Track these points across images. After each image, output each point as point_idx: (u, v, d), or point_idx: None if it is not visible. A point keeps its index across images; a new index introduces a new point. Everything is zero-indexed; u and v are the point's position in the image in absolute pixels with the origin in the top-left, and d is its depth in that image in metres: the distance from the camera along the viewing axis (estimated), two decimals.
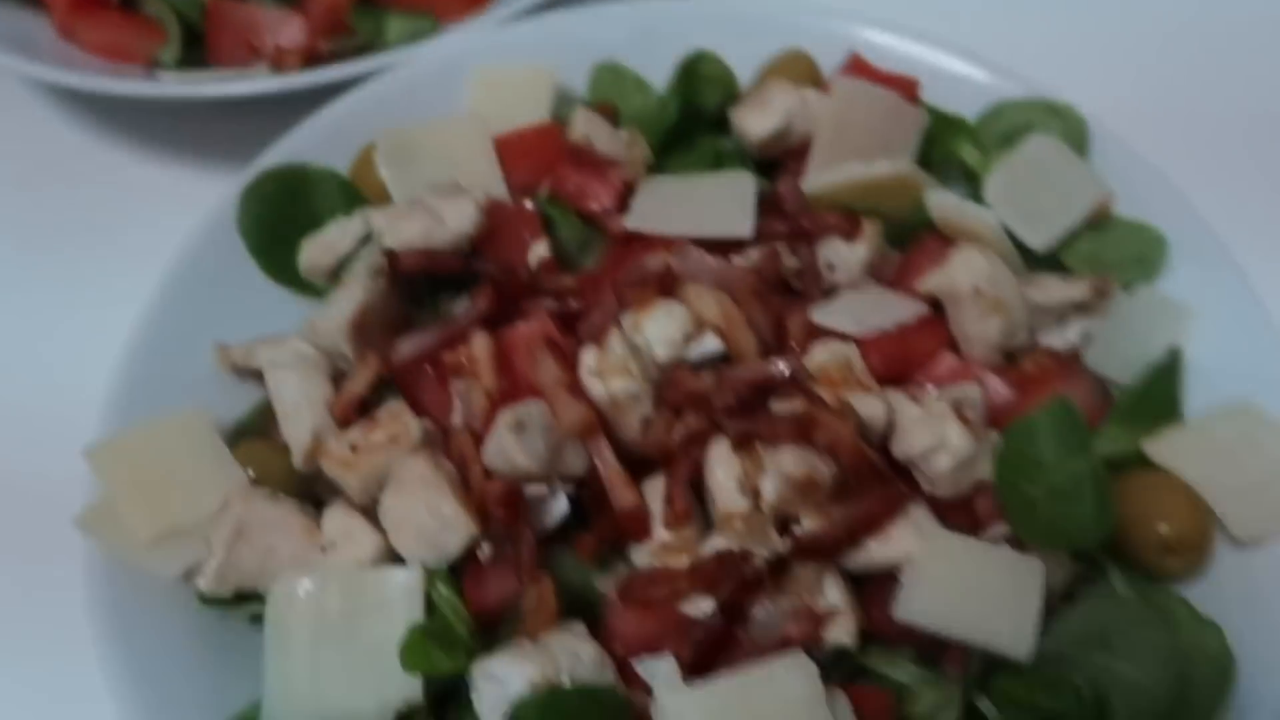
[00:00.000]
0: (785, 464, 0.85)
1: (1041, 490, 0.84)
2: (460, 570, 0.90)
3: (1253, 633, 0.85)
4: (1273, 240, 1.16)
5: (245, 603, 0.93)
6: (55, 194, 1.41)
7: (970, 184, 1.09)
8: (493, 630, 0.88)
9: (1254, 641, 0.85)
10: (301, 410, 0.97)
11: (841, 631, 0.83)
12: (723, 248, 1.00)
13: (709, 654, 0.82)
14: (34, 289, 1.32)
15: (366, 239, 1.04)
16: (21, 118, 1.48)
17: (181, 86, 1.32)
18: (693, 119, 1.14)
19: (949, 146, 1.11)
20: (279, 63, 1.35)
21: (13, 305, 1.31)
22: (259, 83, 1.28)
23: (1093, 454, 0.84)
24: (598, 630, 0.87)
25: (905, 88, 1.11)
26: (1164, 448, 0.93)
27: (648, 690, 0.80)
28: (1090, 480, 0.83)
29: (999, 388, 0.96)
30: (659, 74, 1.18)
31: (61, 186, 1.42)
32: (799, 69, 1.15)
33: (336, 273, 1.07)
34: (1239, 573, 0.90)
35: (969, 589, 0.83)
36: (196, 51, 1.40)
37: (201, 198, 1.14)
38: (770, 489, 0.86)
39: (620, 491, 0.91)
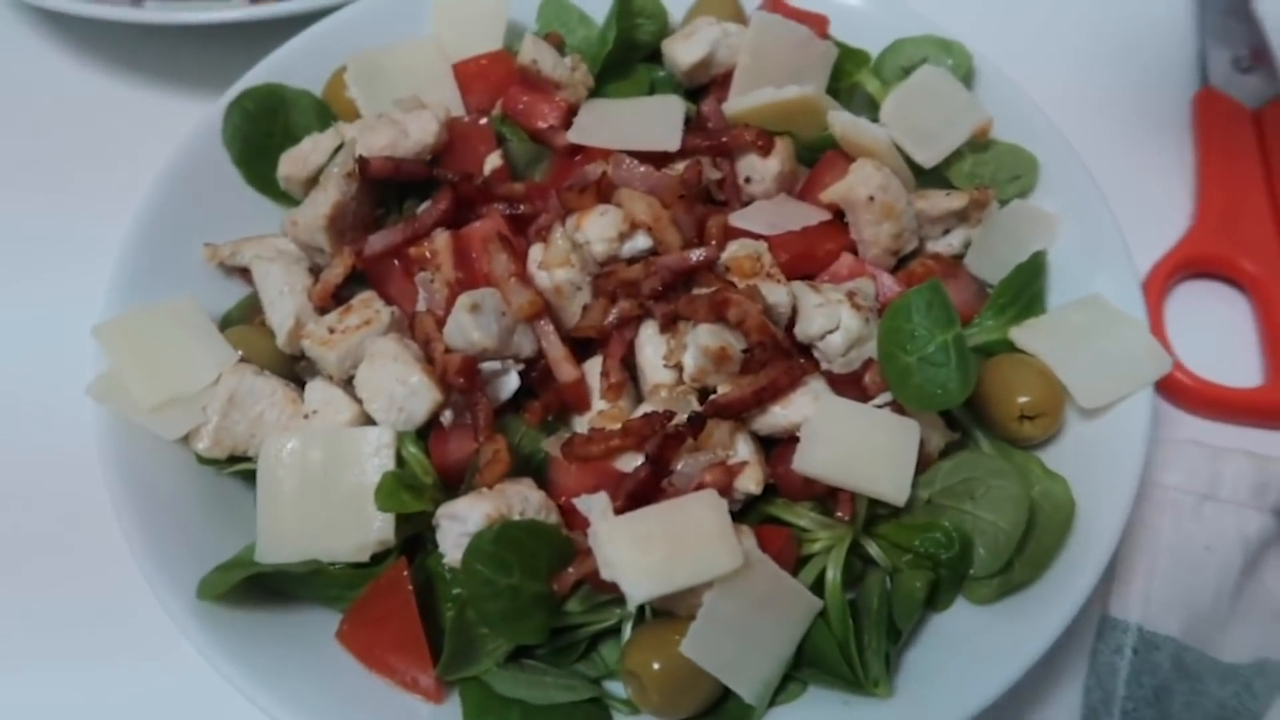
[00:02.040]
0: (702, 339, 0.95)
1: (914, 358, 0.94)
2: (426, 434, 1.00)
3: (1092, 483, 0.97)
4: (1125, 159, 1.29)
5: (238, 462, 1.02)
6: (42, 114, 1.47)
7: (872, 110, 1.18)
8: (454, 486, 0.98)
9: (1092, 490, 0.97)
10: (284, 298, 1.06)
11: (750, 480, 0.94)
12: (654, 160, 1.09)
13: (638, 501, 0.92)
14: (26, 202, 1.38)
15: (339, 150, 1.12)
16: (8, 41, 1.53)
17: (165, 13, 1.36)
18: (629, 49, 1.23)
19: (854, 76, 1.21)
20: None
21: (6, 217, 1.37)
22: (238, 10, 1.33)
23: (956, 327, 0.94)
24: (545, 487, 0.98)
25: (817, 24, 1.20)
26: (1026, 334, 1.04)
27: (585, 529, 0.91)
28: (954, 349, 0.93)
29: (890, 284, 1.08)
30: (601, 9, 1.26)
31: (49, 106, 1.47)
32: (724, 5, 1.24)
33: (310, 183, 1.14)
34: (1084, 435, 1.01)
35: (856, 446, 0.94)
36: None
37: (182, 121, 1.19)
38: (690, 362, 0.96)
39: (563, 367, 1.01)
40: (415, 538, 0.99)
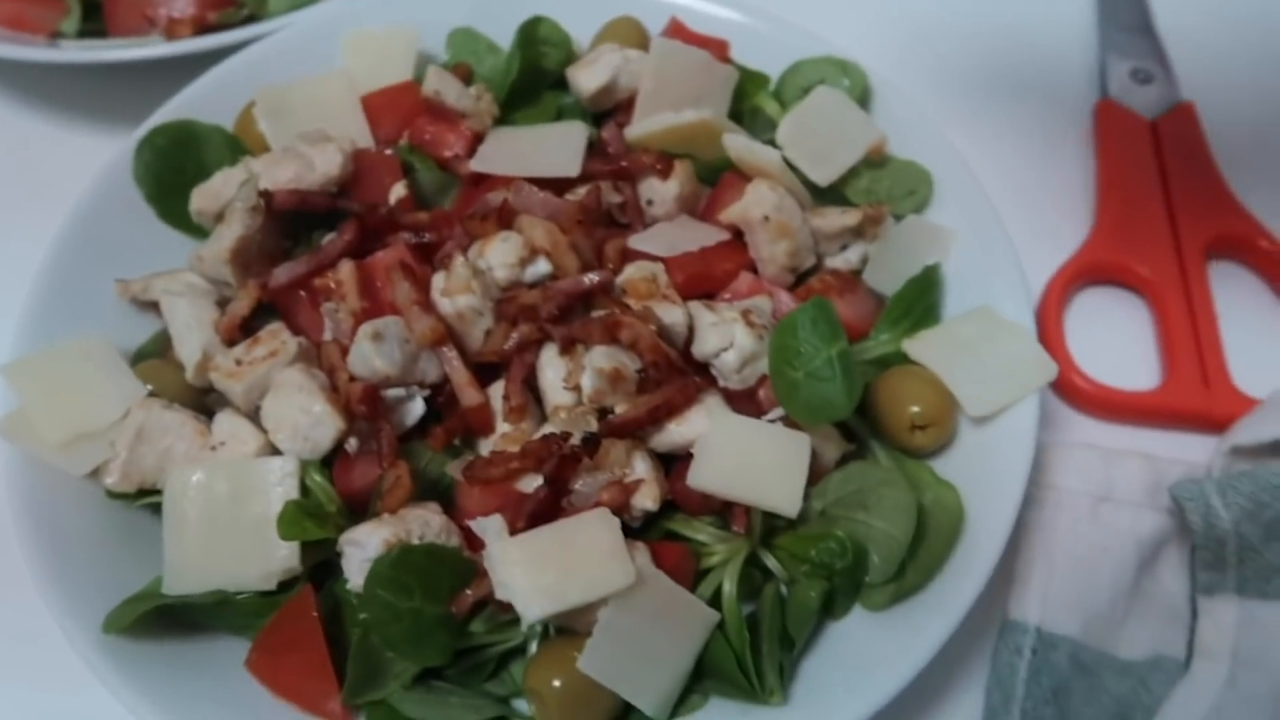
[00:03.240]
0: (597, 361, 0.97)
1: (801, 374, 0.96)
2: (332, 462, 1.01)
3: (982, 489, 0.99)
4: (1027, 170, 1.32)
5: (147, 495, 1.03)
6: None
7: (774, 131, 1.20)
8: (361, 514, 0.99)
9: (983, 496, 0.99)
10: (191, 331, 1.07)
11: (646, 497, 0.96)
12: (556, 186, 1.12)
13: (539, 521, 0.93)
14: None
15: (245, 184, 1.14)
16: None
17: (81, 53, 1.37)
18: (535, 77, 1.25)
19: (754, 99, 1.24)
20: (171, 32, 1.42)
21: None
22: (153, 48, 1.35)
23: (841, 342, 0.96)
24: (451, 511, 1.00)
25: (717, 48, 1.23)
26: (918, 345, 1.06)
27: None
28: (839, 364, 0.95)
29: (788, 301, 1.10)
30: (510, 38, 1.28)
31: None
32: (628, 33, 1.26)
33: (223, 216, 1.16)
34: (974, 443, 1.04)
35: (748, 460, 0.95)
36: (95, 23, 1.47)
37: (98, 157, 1.20)
38: (588, 383, 0.98)
39: (467, 392, 1.03)
40: (323, 565, 1.00)
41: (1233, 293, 1.27)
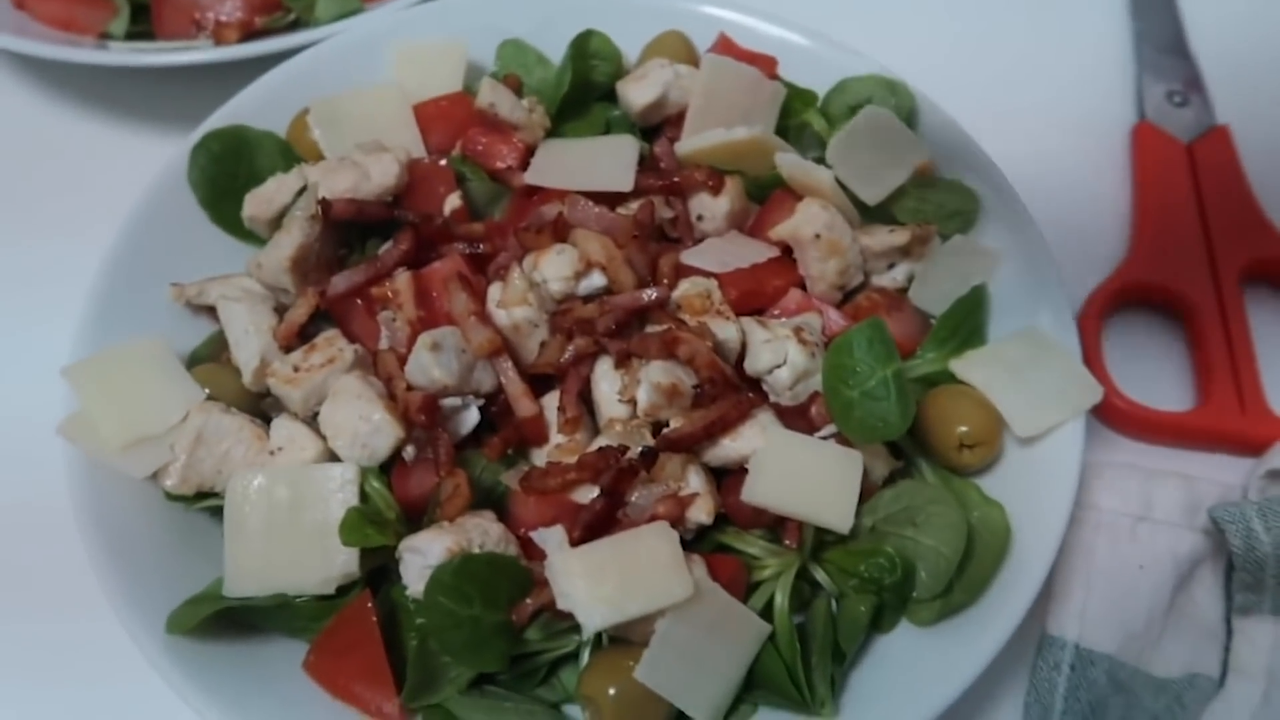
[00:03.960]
0: (654, 376, 0.99)
1: (856, 393, 0.98)
2: (389, 469, 1.03)
3: (1028, 508, 1.02)
4: (1066, 191, 1.35)
5: (206, 498, 1.05)
6: (10, 152, 1.49)
7: (821, 147, 1.21)
8: (417, 520, 1.01)
9: (1029, 515, 1.01)
10: (249, 337, 1.09)
11: (701, 511, 0.98)
12: (608, 200, 1.14)
13: (594, 532, 0.96)
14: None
15: (302, 191, 1.15)
16: None
17: (130, 55, 1.39)
18: (585, 89, 1.27)
19: (801, 116, 1.26)
20: (219, 36, 1.44)
21: None
22: (202, 53, 1.37)
23: (896, 363, 0.99)
24: (505, 519, 1.02)
25: (766, 65, 1.25)
26: (965, 366, 1.09)
27: (543, 559, 0.95)
28: (893, 384, 0.98)
29: (837, 318, 1.12)
30: (559, 51, 1.30)
31: (17, 145, 1.50)
32: (676, 48, 1.28)
33: (275, 222, 1.18)
34: (1020, 463, 1.06)
35: (802, 476, 0.98)
36: (143, 25, 1.49)
37: (148, 159, 1.23)
38: (644, 397, 1.01)
39: (522, 402, 1.05)
40: (380, 570, 1.02)
41: (1268, 316, 1.29)
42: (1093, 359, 1.23)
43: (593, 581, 0.89)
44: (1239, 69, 1.49)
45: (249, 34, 1.45)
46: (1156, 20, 1.56)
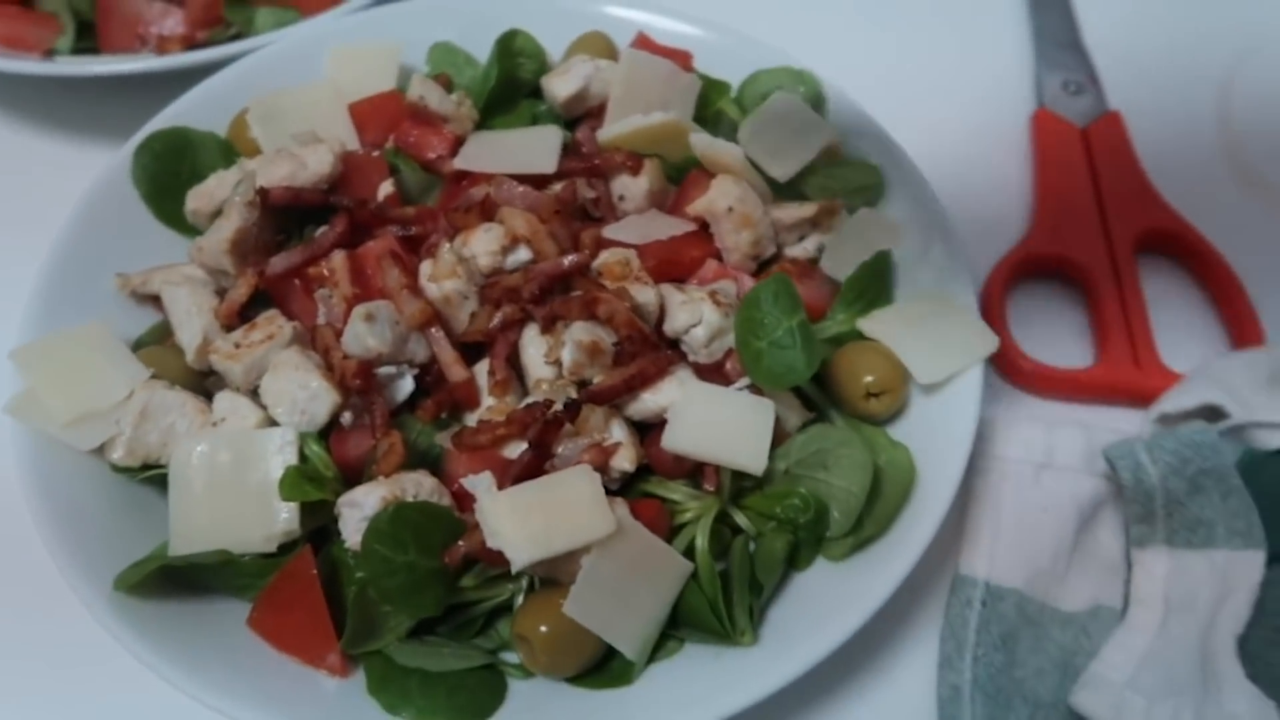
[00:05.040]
0: (576, 335, 1.05)
1: (765, 343, 1.04)
2: (327, 435, 1.08)
3: (932, 450, 1.07)
4: (970, 174, 1.42)
5: (151, 469, 1.09)
6: None
7: (734, 135, 1.28)
8: (355, 482, 1.05)
9: (933, 456, 1.07)
10: (192, 318, 1.13)
11: (624, 459, 1.03)
12: (534, 183, 1.19)
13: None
14: None
15: (242, 180, 1.21)
16: None
17: (75, 66, 1.45)
18: (512, 86, 1.34)
19: (716, 105, 1.33)
20: (162, 50, 1.49)
21: None
22: (145, 62, 1.42)
23: (800, 314, 1.05)
24: (440, 477, 1.06)
25: (681, 59, 1.32)
26: (871, 323, 1.15)
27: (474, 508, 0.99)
28: (799, 332, 1.04)
29: (751, 285, 1.18)
30: (486, 53, 1.36)
31: None
32: (597, 45, 1.35)
33: (217, 215, 1.21)
34: (925, 410, 1.12)
35: (717, 424, 1.03)
36: (89, 42, 1.53)
37: (97, 167, 1.27)
38: (568, 356, 1.06)
39: (454, 369, 1.10)
40: (321, 531, 1.06)
41: (1161, 281, 1.37)
42: (998, 323, 1.30)
43: (519, 520, 0.94)
44: (1128, 61, 1.59)
45: (191, 47, 1.50)
46: (1053, 17, 1.65)
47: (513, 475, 1.00)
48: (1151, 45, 1.64)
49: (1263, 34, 1.66)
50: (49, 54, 1.52)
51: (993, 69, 1.62)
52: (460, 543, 0.98)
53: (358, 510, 1.00)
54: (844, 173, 1.27)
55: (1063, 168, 1.46)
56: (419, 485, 1.01)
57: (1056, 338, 1.33)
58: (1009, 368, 1.29)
